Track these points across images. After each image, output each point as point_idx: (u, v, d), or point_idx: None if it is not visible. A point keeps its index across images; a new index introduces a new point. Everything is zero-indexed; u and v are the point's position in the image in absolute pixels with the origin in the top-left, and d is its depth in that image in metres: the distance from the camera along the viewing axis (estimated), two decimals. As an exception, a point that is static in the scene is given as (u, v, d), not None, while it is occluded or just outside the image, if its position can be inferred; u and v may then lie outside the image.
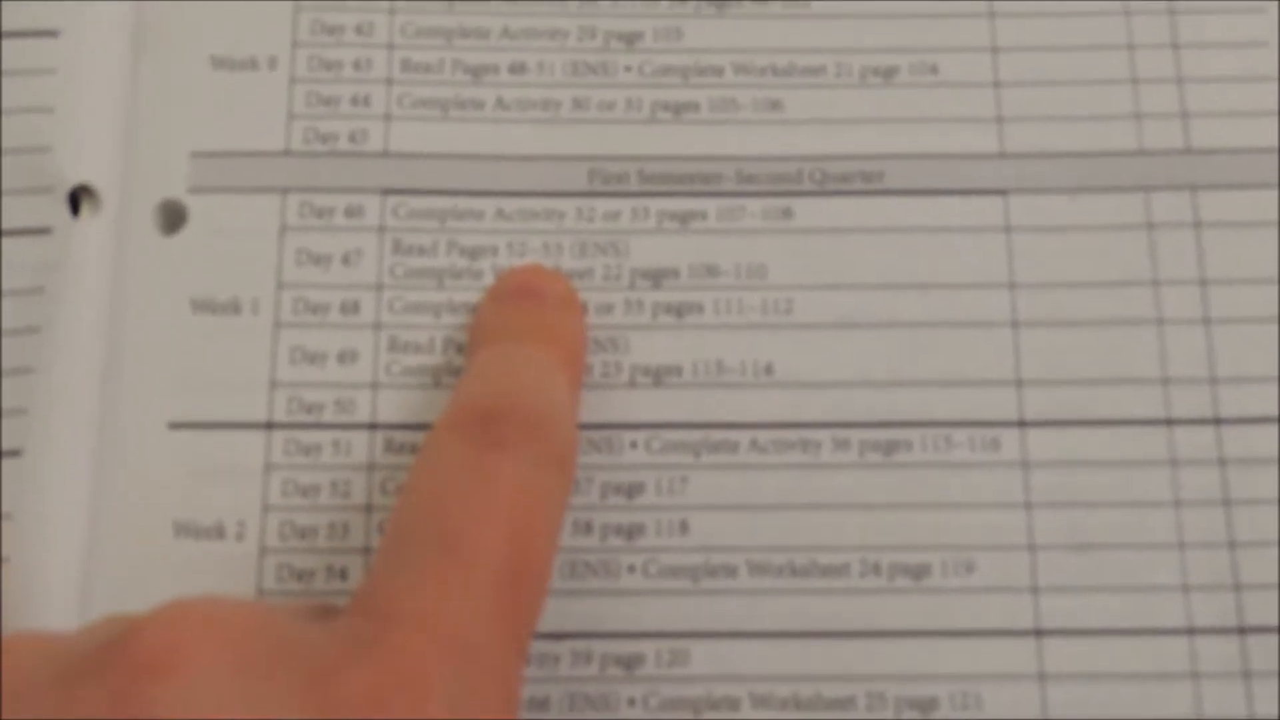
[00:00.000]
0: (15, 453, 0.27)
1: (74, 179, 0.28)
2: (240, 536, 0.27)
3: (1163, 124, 0.30)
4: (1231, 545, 0.27)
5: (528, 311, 0.28)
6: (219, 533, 0.27)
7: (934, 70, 0.30)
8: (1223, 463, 0.28)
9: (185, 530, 0.27)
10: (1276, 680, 0.27)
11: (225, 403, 0.28)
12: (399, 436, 0.28)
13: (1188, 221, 0.29)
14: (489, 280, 0.29)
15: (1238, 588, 0.27)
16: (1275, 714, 0.26)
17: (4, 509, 0.27)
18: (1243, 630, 0.27)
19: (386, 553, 0.23)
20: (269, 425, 0.28)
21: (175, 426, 0.28)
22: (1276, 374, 0.28)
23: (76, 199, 0.28)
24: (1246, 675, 0.27)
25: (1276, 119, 0.30)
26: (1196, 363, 0.28)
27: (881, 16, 0.30)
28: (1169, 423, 0.28)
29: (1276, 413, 0.28)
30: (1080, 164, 0.29)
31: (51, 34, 0.29)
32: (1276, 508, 0.27)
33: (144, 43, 0.30)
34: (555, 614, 0.27)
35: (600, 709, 0.27)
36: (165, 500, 0.27)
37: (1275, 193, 0.29)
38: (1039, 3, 0.30)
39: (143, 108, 0.29)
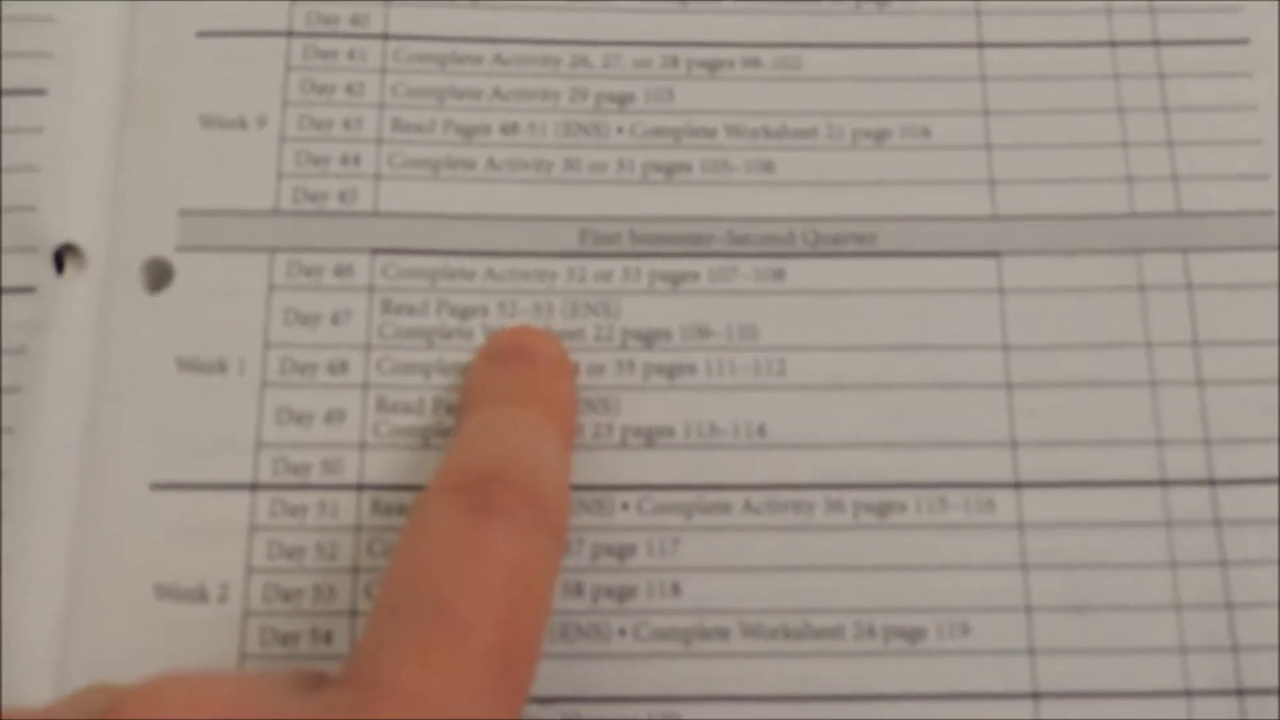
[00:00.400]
0: (-6, 513, 0.27)
1: (59, 238, 0.28)
2: (223, 599, 0.27)
3: (1153, 187, 0.30)
4: (1228, 606, 0.27)
5: (519, 373, 0.27)
6: (201, 595, 0.27)
7: (926, 133, 0.30)
8: (1218, 524, 0.28)
9: (167, 593, 0.27)
10: (1276, 744, 0.26)
11: (210, 463, 0.28)
12: (387, 498, 0.27)
13: (1180, 284, 0.29)
14: (479, 340, 0.28)
15: (1235, 649, 0.27)
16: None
17: (-18, 571, 0.26)
18: (1241, 692, 0.27)
19: (376, 622, 0.23)
20: (254, 486, 0.27)
21: (158, 487, 0.27)
22: (1270, 435, 0.28)
23: (61, 258, 0.28)
24: (1245, 731, 0.27)
25: (1265, 182, 0.30)
26: (1190, 424, 0.28)
27: (872, 79, 0.30)
28: (1164, 484, 0.28)
29: (1271, 474, 0.28)
30: (1072, 226, 0.29)
31: (39, 92, 0.29)
32: (1272, 568, 0.27)
33: (133, 101, 0.29)
34: (545, 678, 0.26)
35: (591, 775, 0.26)
36: (147, 562, 0.27)
37: (1266, 255, 0.29)
38: (1029, 66, 0.30)
39: (130, 166, 0.29)
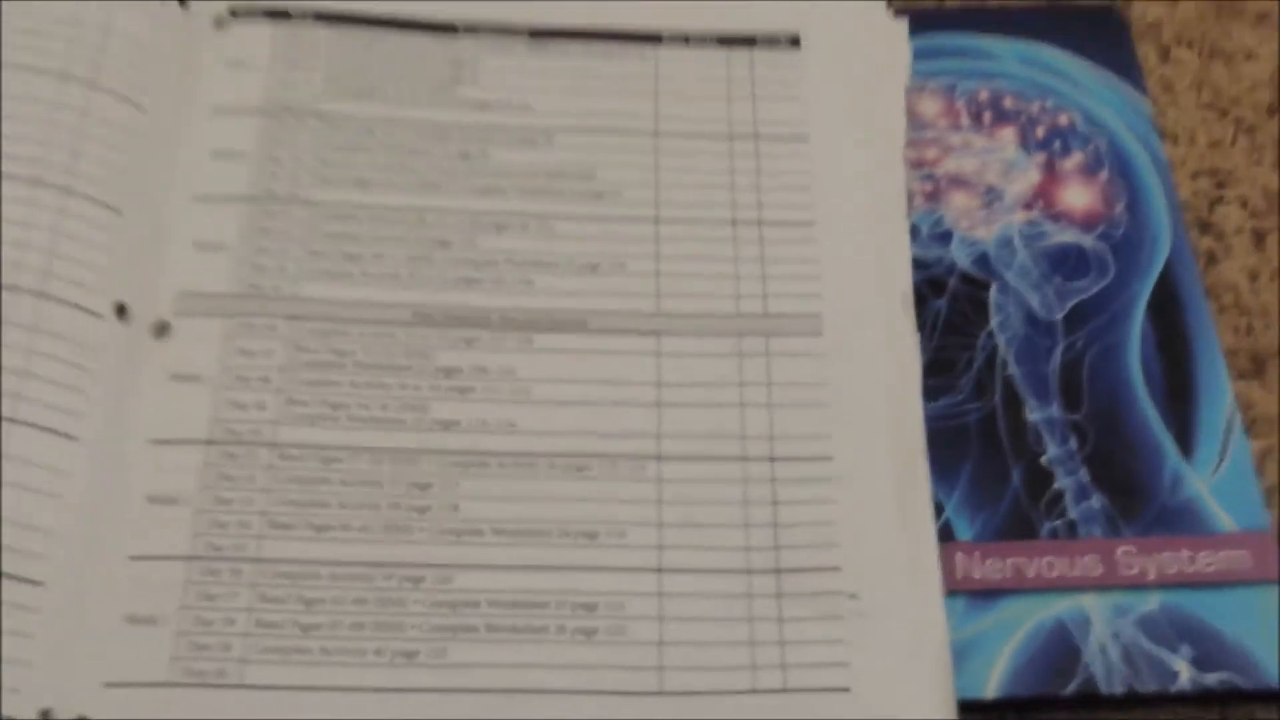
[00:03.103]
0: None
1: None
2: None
3: (752, 298, 0.46)
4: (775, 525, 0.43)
5: None
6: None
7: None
8: (774, 482, 0.43)
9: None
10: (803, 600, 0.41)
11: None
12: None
13: (761, 352, 0.46)
14: None
15: (777, 548, 0.42)
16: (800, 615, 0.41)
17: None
18: (779, 571, 0.42)
19: None
20: None
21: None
22: (804, 433, 0.44)
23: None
24: (779, 596, 0.42)
25: (816, 295, 0.46)
26: (759, 423, 0.44)
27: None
28: (744, 460, 0.44)
29: (813, 453, 0.44)
30: (705, 320, 0.46)
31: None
32: (801, 508, 0.43)
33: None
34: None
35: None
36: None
37: (814, 339, 0.46)
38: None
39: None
